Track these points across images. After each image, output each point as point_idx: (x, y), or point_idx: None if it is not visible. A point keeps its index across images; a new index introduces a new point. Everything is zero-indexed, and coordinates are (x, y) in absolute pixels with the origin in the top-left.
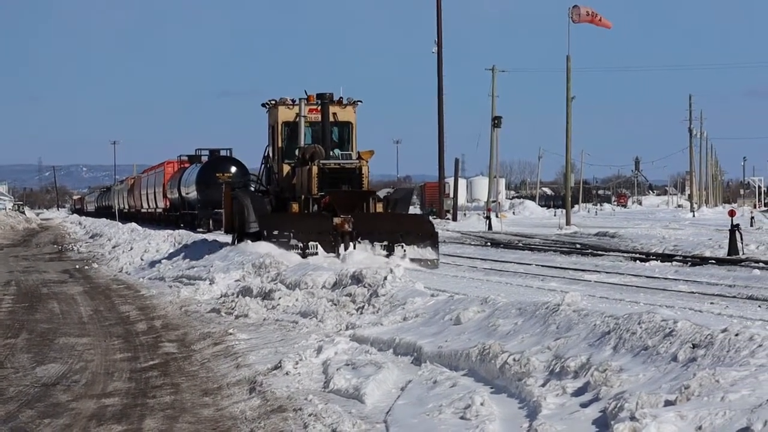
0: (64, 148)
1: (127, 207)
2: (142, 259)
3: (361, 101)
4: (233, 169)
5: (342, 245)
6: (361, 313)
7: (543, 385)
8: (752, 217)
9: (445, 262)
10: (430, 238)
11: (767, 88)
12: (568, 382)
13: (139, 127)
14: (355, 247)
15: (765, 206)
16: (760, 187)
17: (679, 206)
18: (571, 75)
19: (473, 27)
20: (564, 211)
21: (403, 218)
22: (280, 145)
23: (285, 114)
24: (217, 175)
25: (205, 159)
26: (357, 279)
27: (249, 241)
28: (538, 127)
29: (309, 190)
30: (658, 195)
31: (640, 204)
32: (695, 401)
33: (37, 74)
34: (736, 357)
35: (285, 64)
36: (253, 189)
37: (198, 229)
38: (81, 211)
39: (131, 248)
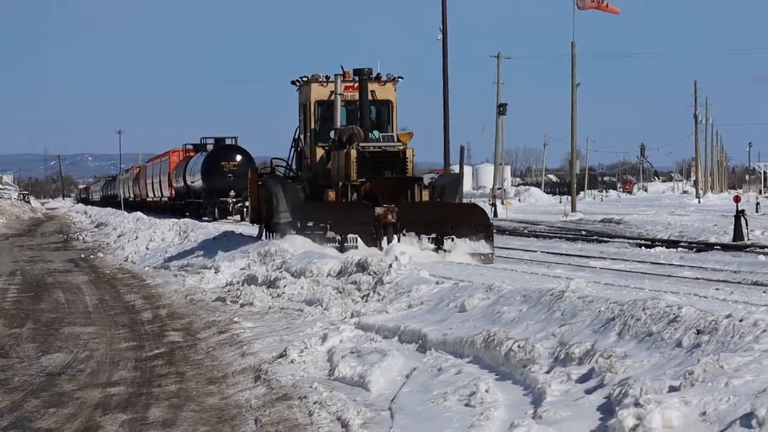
0: (69, 137)
1: (132, 196)
2: (147, 248)
3: (402, 78)
4: (238, 157)
5: (385, 238)
6: (366, 300)
7: (548, 372)
8: (757, 203)
9: None
10: (485, 230)
11: None
12: (572, 368)
13: (144, 116)
14: (399, 240)
15: None
16: (765, 173)
17: (685, 192)
18: (576, 61)
19: (479, 14)
20: (569, 197)
21: (454, 208)
22: (312, 126)
23: (318, 92)
24: (222, 163)
25: (210, 148)
26: (362, 267)
27: (278, 240)
28: (543, 114)
29: (347, 176)
30: (663, 181)
31: (646, 190)
32: (699, 387)
33: (43, 64)
34: (740, 342)
35: (292, 52)
36: (282, 175)
37: (203, 218)
38: (86, 201)
39: (136, 237)
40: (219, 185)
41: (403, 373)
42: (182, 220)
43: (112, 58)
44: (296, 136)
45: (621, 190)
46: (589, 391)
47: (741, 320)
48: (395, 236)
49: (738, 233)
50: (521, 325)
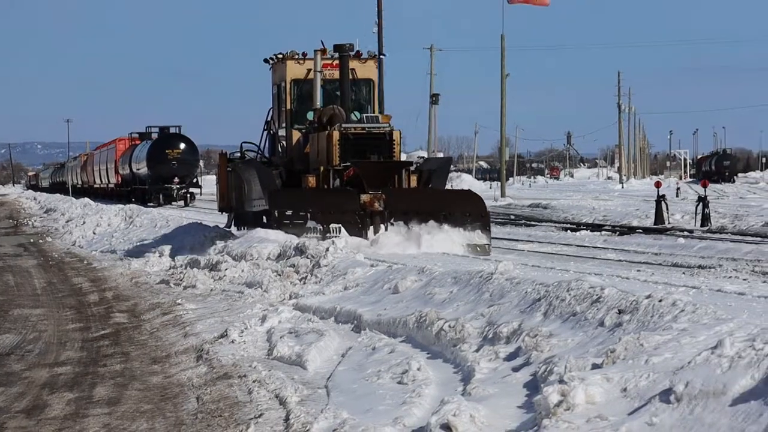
0: (19, 126)
1: (80, 183)
2: (94, 233)
3: (385, 54)
4: (182, 145)
5: (371, 228)
6: (304, 283)
7: (477, 351)
8: (678, 188)
9: None
10: (481, 219)
11: (693, 65)
12: (500, 347)
13: (92, 106)
14: (387, 230)
15: (690, 177)
16: (685, 159)
17: (609, 178)
18: (505, 54)
19: (413, 7)
20: (499, 183)
21: (447, 194)
22: (288, 107)
23: (294, 70)
24: (167, 151)
25: (155, 136)
26: (300, 250)
27: (259, 229)
28: (474, 104)
29: (328, 160)
30: (588, 168)
31: (572, 176)
32: (621, 364)
33: None
34: (659, 322)
35: (234, 45)
36: (255, 160)
37: (149, 204)
38: (36, 187)
39: (84, 222)
40: (164, 172)
41: (339, 353)
42: (128, 206)
43: (61, 47)
44: (268, 119)
45: (548, 176)
46: (516, 369)
47: (660, 300)
48: (382, 226)
49: (659, 217)
50: (452, 305)
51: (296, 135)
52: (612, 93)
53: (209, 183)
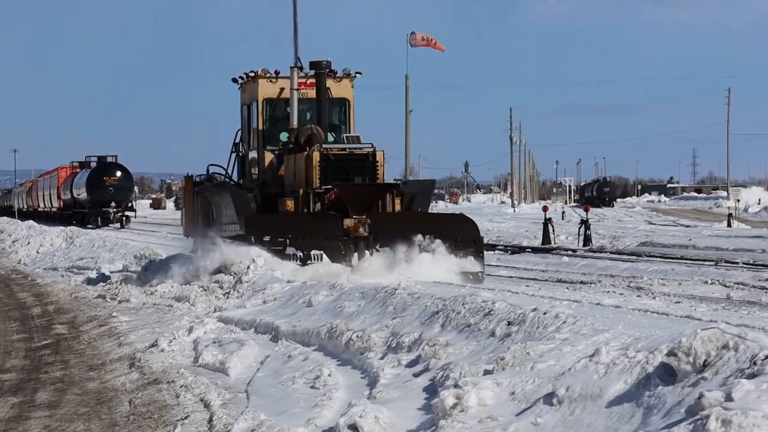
0: None
1: (26, 206)
2: (38, 252)
3: (360, 73)
4: (118, 173)
5: (355, 254)
6: (228, 297)
7: (382, 358)
8: (563, 212)
9: None
10: (473, 245)
11: (577, 102)
12: (403, 355)
13: (37, 136)
14: (372, 255)
15: (574, 202)
16: (570, 186)
17: (502, 203)
18: (409, 91)
19: (327, 49)
20: None
21: (438, 218)
22: (260, 127)
23: (267, 89)
24: (104, 178)
25: (93, 164)
26: (225, 268)
27: (237, 244)
28: (382, 136)
29: (308, 182)
30: (484, 193)
31: (469, 201)
32: (509, 370)
33: None
34: (544, 332)
35: (164, 82)
36: (228, 182)
37: (88, 226)
38: None
39: (29, 242)
40: (101, 197)
41: (258, 360)
42: (69, 227)
43: (6, 82)
44: (237, 140)
45: (448, 200)
46: (416, 375)
47: (545, 313)
48: (367, 252)
49: (546, 238)
50: (360, 318)
51: (269, 156)
52: (505, 127)
53: (143, 207)
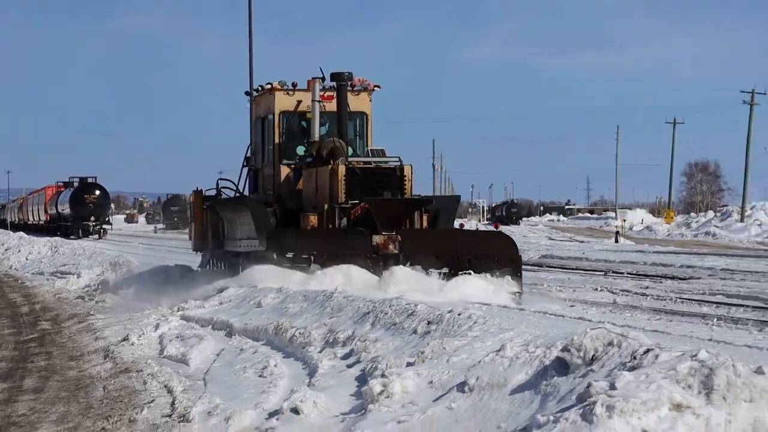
0: None
1: (17, 220)
2: (27, 259)
3: (379, 86)
4: (97, 192)
5: (384, 272)
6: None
7: (320, 351)
8: (477, 228)
9: None
10: (511, 264)
11: (491, 134)
12: (338, 349)
13: (27, 158)
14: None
15: (486, 221)
16: (483, 207)
17: None
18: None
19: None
20: None
21: (474, 236)
22: (277, 140)
23: (283, 102)
24: (85, 196)
25: (76, 184)
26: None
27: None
28: None
29: (332, 197)
30: None
31: None
32: (428, 363)
33: None
34: (458, 331)
35: (137, 110)
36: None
37: (70, 237)
38: None
39: (19, 251)
40: (82, 212)
41: (214, 353)
42: (54, 238)
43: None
44: (248, 155)
45: None
46: (350, 366)
47: (459, 314)
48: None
49: None
50: (302, 317)
51: (285, 171)
52: (428, 156)
53: (118, 221)
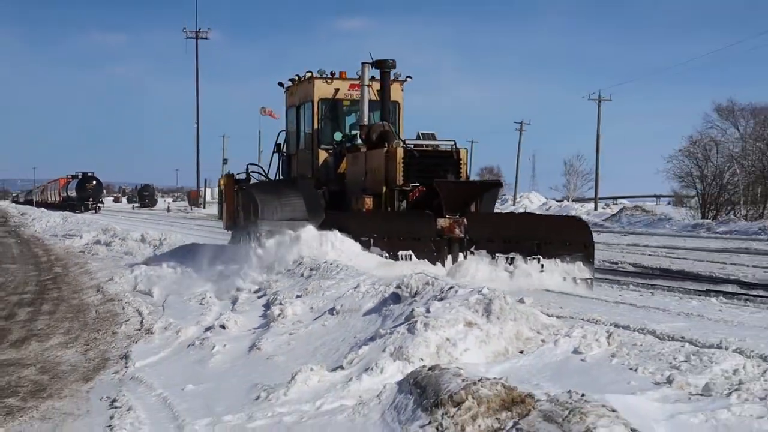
0: (9, 167)
1: (40, 200)
2: (46, 226)
3: (410, 77)
4: (94, 182)
5: (449, 256)
6: (156, 252)
7: (242, 290)
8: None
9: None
10: (584, 249)
11: None
12: (252, 286)
13: (47, 157)
14: (465, 259)
15: None
16: None
17: None
18: (261, 155)
19: (208, 121)
20: None
21: (544, 220)
22: (316, 126)
23: (322, 89)
24: (86, 184)
25: (79, 176)
26: (145, 238)
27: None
28: None
29: (388, 179)
30: None
31: None
32: (311, 295)
33: None
34: (330, 275)
35: (126, 115)
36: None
37: (76, 211)
38: (17, 202)
39: (41, 220)
40: (84, 196)
41: (170, 289)
42: (64, 212)
43: (26, 120)
44: (279, 141)
45: None
46: (259, 297)
47: (331, 264)
48: (461, 254)
49: None
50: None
51: (323, 155)
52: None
53: (108, 202)
